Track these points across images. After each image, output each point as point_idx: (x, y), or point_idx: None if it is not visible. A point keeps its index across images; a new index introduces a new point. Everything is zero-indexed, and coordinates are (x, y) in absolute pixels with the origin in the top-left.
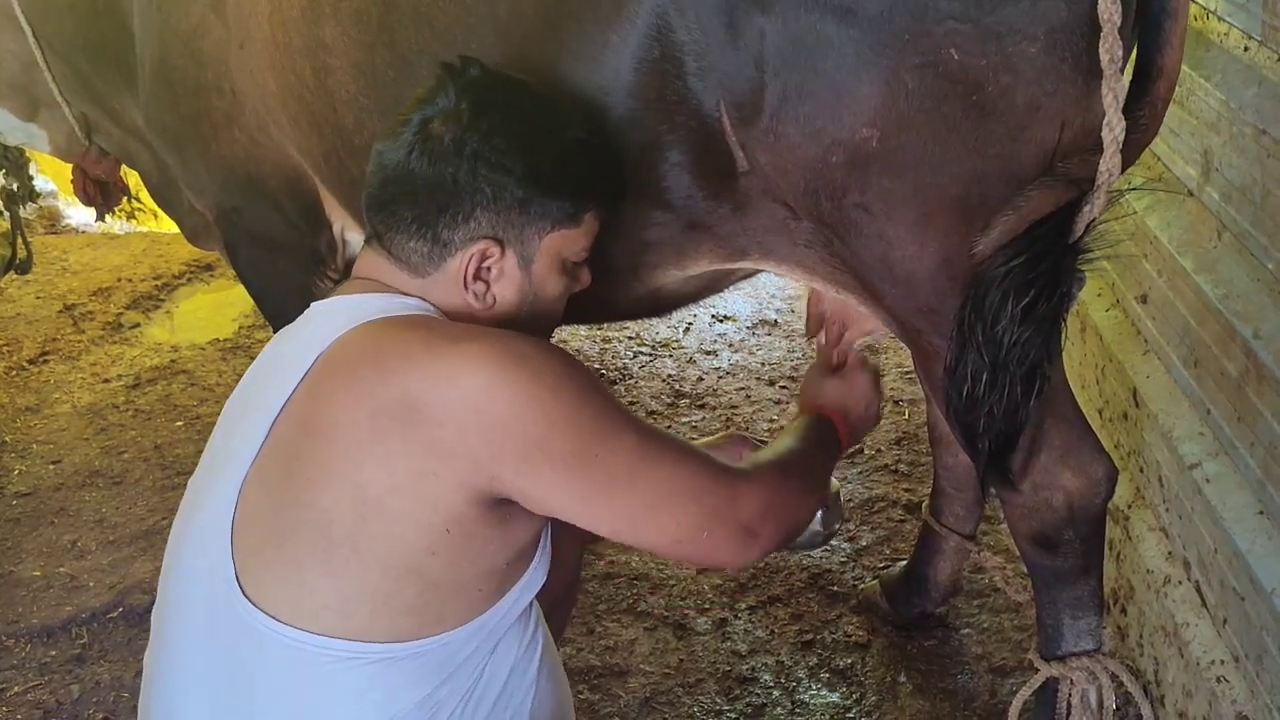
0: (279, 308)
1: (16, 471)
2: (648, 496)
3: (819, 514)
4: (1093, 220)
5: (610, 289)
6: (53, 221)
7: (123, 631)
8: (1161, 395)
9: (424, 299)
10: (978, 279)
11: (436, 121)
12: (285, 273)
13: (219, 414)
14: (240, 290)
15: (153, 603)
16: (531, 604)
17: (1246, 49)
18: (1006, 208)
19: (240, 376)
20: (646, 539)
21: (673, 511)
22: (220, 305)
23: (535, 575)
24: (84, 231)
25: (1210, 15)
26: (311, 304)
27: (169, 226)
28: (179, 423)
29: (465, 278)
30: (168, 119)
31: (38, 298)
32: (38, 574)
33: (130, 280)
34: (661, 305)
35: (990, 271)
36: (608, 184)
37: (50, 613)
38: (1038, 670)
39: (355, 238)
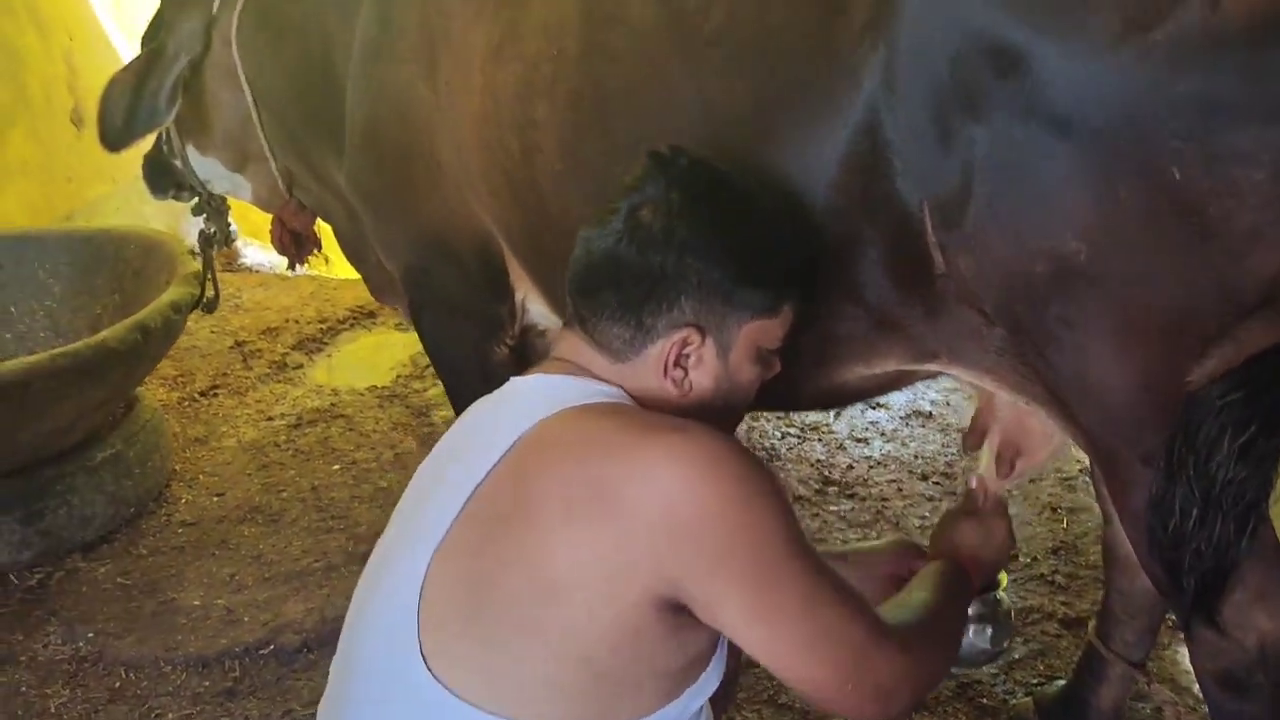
0: (455, 368)
1: (184, 500)
2: (811, 633)
3: (988, 631)
4: None
5: (793, 381)
6: (229, 260)
7: (273, 669)
8: None
9: (620, 385)
10: (1191, 409)
11: (646, 210)
12: (465, 335)
13: (374, 460)
14: (399, 338)
15: (303, 643)
16: (702, 705)
17: None
18: (1225, 338)
19: (396, 425)
20: (796, 673)
21: (828, 654)
22: (379, 349)
23: (709, 680)
24: (257, 271)
25: None
26: (511, 379)
27: (341, 271)
28: (335, 466)
29: (666, 364)
30: (370, 180)
31: (212, 332)
32: (197, 603)
33: (297, 321)
34: (842, 399)
35: (1206, 403)
36: (809, 276)
37: (206, 643)
38: None
39: (536, 307)
